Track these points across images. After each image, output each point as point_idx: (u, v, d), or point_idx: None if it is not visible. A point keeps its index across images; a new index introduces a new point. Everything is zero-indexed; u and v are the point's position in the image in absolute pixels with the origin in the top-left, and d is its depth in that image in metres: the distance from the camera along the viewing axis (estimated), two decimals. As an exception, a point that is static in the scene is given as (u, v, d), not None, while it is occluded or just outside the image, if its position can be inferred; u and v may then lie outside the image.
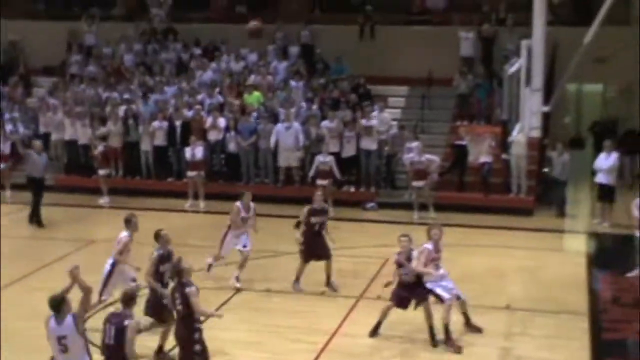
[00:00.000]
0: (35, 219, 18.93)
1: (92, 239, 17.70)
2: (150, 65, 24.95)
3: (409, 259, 11.67)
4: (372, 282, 14.29)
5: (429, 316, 11.63)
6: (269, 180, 21.34)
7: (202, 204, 20.43)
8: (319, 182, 19.66)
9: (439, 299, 11.66)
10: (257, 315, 12.85)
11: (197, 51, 25.13)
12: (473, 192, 20.04)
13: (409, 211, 19.04)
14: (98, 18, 26.93)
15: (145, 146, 21.80)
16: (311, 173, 20.23)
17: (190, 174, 20.63)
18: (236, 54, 24.68)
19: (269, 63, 24.13)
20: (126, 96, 23.14)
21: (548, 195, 20.37)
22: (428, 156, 19.52)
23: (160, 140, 21.68)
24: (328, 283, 14.09)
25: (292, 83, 22.99)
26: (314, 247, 13.99)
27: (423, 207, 19.17)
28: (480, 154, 20.12)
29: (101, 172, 21.14)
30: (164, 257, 11.64)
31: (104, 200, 20.96)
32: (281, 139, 20.80)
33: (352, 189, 20.97)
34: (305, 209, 14.12)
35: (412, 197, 19.59)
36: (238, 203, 14.45)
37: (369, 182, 20.88)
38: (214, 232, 18.21)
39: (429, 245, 11.64)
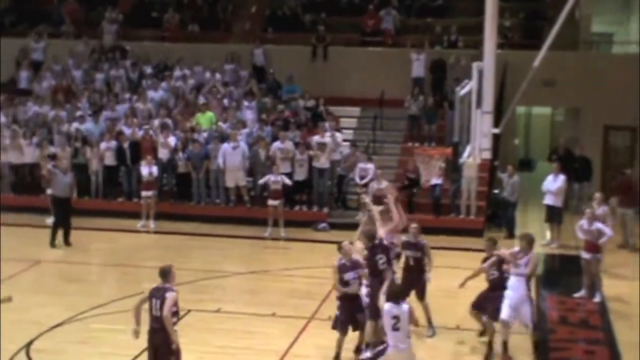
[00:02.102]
0: (65, 240, 18.59)
1: (39, 259, 17.41)
2: (101, 83, 24.70)
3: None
4: (323, 303, 14.24)
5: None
6: (220, 200, 21.22)
7: (152, 224, 20.23)
8: (270, 202, 19.62)
9: None
10: (208, 337, 12.72)
11: (148, 70, 24.97)
12: (423, 214, 20.14)
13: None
14: (47, 35, 26.65)
15: (95, 166, 21.56)
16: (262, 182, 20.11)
17: (144, 193, 20.39)
18: (189, 71, 24.55)
19: (223, 84, 24.04)
20: (78, 113, 22.85)
21: (498, 216, 20.57)
22: (385, 182, 19.58)
23: (109, 160, 21.45)
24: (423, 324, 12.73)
25: (245, 103, 22.94)
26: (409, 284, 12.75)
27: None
28: (431, 175, 20.22)
29: (49, 191, 20.80)
30: (346, 267, 11.46)
31: (51, 220, 20.60)
32: (228, 159, 20.72)
33: (305, 209, 20.95)
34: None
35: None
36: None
37: (321, 202, 20.89)
38: (164, 253, 18.12)
39: None
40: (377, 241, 11.63)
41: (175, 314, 9.90)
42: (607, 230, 14.88)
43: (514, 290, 11.79)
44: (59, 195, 18.78)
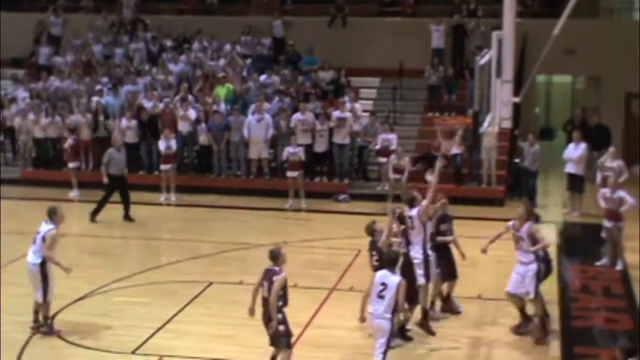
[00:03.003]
0: (126, 215, 18.56)
1: (63, 232, 17.51)
2: (120, 57, 24.73)
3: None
4: (344, 274, 14.30)
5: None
6: (241, 172, 21.27)
7: (173, 197, 20.32)
8: (289, 173, 19.65)
9: None
10: (229, 309, 12.79)
11: (168, 43, 24.93)
12: (444, 183, 20.07)
13: (381, 202, 19.07)
14: (64, 9, 26.66)
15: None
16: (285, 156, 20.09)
17: (163, 167, 20.44)
18: (208, 44, 24.53)
19: (242, 56, 24.02)
20: (98, 87, 22.91)
21: (519, 185, 20.50)
22: (406, 159, 19.52)
23: (130, 138, 21.47)
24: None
25: (263, 77, 22.90)
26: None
27: (396, 198, 19.24)
28: (451, 145, 20.14)
29: (71, 165, 20.96)
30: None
31: (73, 193, 20.77)
32: (252, 131, 20.74)
33: (325, 180, 20.97)
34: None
35: (385, 189, 19.62)
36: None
37: (341, 173, 20.89)
38: (186, 225, 18.23)
39: None
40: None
41: (282, 297, 9.89)
42: (629, 199, 14.79)
43: (520, 261, 11.67)
44: (116, 174, 18.58)
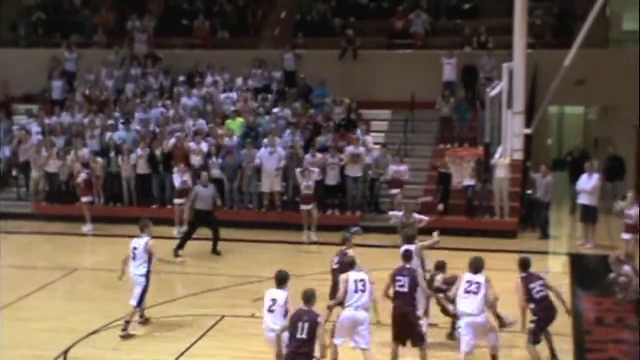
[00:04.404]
0: (214, 249, 18.61)
1: (75, 267, 17.60)
2: (133, 92, 24.89)
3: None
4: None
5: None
6: (253, 205, 21.30)
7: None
8: (302, 207, 19.66)
9: None
10: (242, 342, 12.78)
11: (182, 78, 25.08)
12: (457, 216, 20.06)
13: (394, 235, 18.99)
14: (77, 45, 26.90)
15: (127, 174, 21.72)
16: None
17: (177, 201, 20.42)
18: (220, 78, 24.68)
19: (254, 89, 24.16)
20: (111, 122, 23.05)
21: (531, 217, 20.44)
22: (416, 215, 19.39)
23: (142, 169, 21.60)
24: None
25: (276, 110, 23.00)
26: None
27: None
28: (464, 177, 20.15)
29: (84, 199, 21.03)
30: None
31: (87, 227, 20.83)
32: (265, 164, 20.80)
33: (337, 213, 20.96)
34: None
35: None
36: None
37: (354, 206, 20.89)
38: (198, 258, 18.23)
39: None
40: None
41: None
42: None
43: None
44: (203, 209, 18.61)
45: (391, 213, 17.56)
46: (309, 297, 10.18)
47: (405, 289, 11.35)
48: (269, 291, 11.01)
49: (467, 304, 11.24)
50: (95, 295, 15.53)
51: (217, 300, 14.99)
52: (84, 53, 26.65)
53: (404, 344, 11.52)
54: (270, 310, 10.81)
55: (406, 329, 11.38)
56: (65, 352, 12.31)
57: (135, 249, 13.41)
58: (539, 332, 11.65)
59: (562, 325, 13.28)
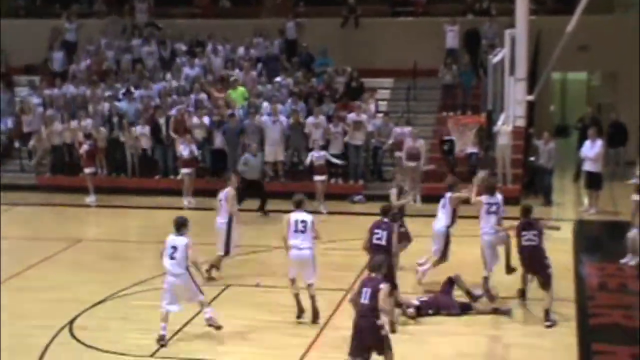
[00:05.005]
0: (262, 208, 19.21)
1: (80, 237, 17.66)
2: (134, 62, 24.81)
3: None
4: (361, 274, 14.26)
5: None
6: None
7: (193, 200, 20.32)
8: (316, 177, 19.62)
9: None
10: (247, 311, 12.85)
11: (183, 47, 24.99)
12: (460, 183, 20.00)
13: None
14: (77, 15, 26.74)
15: (130, 147, 21.75)
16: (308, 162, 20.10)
17: (184, 170, 20.46)
18: (221, 47, 24.56)
19: (255, 58, 24.06)
20: (108, 93, 23.01)
21: (534, 184, 20.44)
22: (421, 141, 19.65)
23: (145, 144, 21.63)
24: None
25: (277, 79, 22.93)
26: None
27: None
28: (466, 144, 20.15)
29: (87, 170, 21.04)
30: None
31: (90, 199, 20.86)
32: (268, 133, 20.78)
33: (340, 182, 20.97)
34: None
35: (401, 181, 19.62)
36: None
37: (356, 174, 20.89)
38: (203, 228, 18.23)
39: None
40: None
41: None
42: None
43: None
44: (252, 178, 18.95)
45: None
46: (376, 266, 10.26)
47: (382, 242, 11.83)
48: (168, 238, 11.64)
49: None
50: (99, 266, 15.59)
51: (222, 270, 15.02)
52: (84, 23, 26.52)
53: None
54: (172, 257, 11.50)
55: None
56: (71, 322, 12.38)
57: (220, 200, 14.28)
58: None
59: (565, 290, 13.37)
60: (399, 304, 12.36)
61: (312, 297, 12.28)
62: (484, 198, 13.21)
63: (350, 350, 9.89)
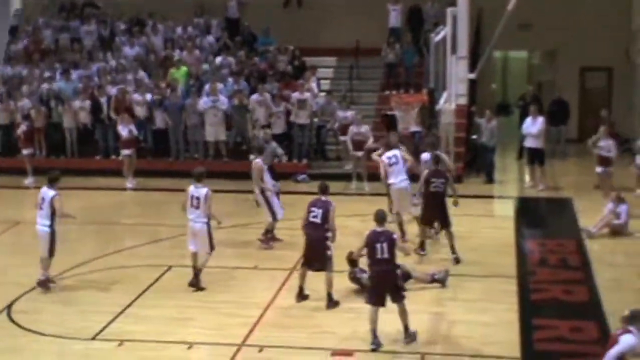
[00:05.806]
0: None
1: (18, 220, 17.31)
2: (72, 41, 24.35)
3: None
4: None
5: None
6: (198, 155, 21.11)
7: (134, 181, 20.08)
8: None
9: None
10: (188, 292, 12.72)
11: (122, 26, 24.59)
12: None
13: (340, 182, 19.04)
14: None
15: (69, 124, 21.37)
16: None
17: (125, 151, 20.20)
18: (162, 26, 24.23)
19: (196, 37, 23.79)
20: (47, 74, 22.59)
21: (476, 161, 20.59)
22: (366, 127, 19.59)
23: (84, 118, 21.26)
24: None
25: (219, 58, 22.72)
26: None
27: (359, 177, 19.36)
28: (410, 123, 20.19)
29: (25, 151, 20.65)
30: None
31: (28, 180, 20.46)
32: (207, 113, 20.60)
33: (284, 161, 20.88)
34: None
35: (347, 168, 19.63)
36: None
37: (300, 153, 20.83)
38: (144, 209, 18.06)
39: None
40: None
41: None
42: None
43: None
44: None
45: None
46: (381, 218, 10.68)
47: (318, 220, 12.00)
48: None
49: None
50: (37, 249, 15.26)
51: (164, 251, 14.89)
52: (26, 3, 25.90)
53: (315, 270, 12.12)
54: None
55: (315, 254, 12.02)
56: (9, 306, 12.15)
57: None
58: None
59: (506, 266, 13.52)
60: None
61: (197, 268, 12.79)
62: (384, 156, 14.87)
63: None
